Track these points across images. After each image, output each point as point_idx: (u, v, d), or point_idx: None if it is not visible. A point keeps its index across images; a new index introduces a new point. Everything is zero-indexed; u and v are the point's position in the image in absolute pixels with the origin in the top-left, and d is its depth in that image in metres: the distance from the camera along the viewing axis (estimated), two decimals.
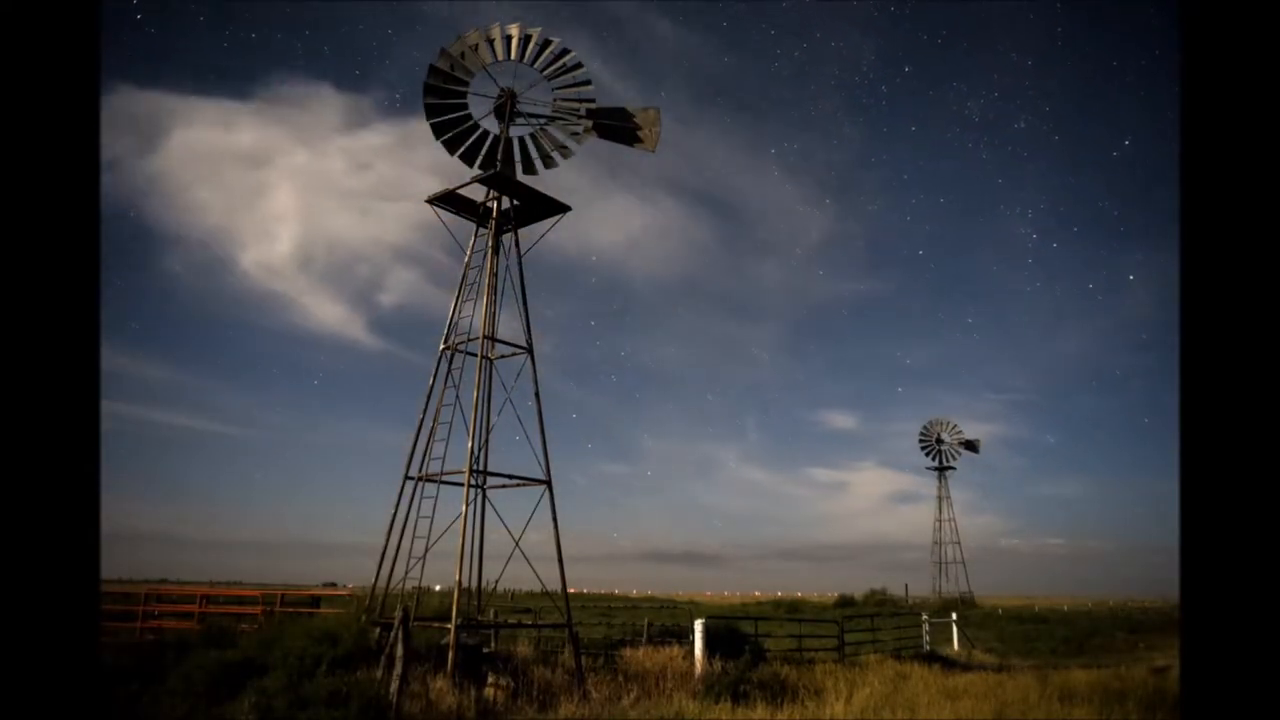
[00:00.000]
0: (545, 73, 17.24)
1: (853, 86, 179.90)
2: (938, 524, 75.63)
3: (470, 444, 15.59)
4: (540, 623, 19.26)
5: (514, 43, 17.21)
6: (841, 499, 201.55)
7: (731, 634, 18.09)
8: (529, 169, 18.03)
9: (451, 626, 13.90)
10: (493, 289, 16.80)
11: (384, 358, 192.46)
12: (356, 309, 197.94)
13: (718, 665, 15.05)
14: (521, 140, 17.93)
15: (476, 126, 17.43)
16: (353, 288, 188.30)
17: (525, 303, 17.21)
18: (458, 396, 16.41)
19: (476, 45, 17.17)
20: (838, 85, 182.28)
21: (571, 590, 17.73)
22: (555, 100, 17.41)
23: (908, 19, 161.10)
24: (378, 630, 14.29)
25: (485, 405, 16.85)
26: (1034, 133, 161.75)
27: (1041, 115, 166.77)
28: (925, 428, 75.72)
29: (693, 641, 16.37)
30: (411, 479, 16.22)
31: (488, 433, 16.95)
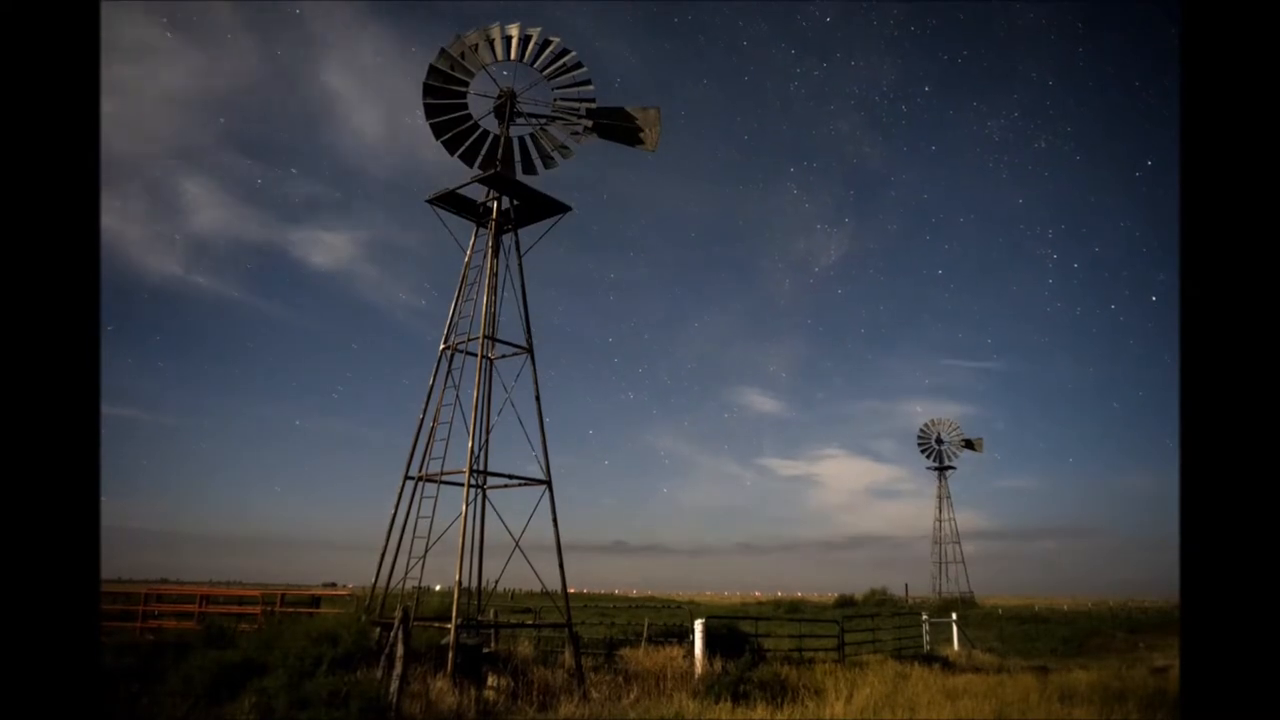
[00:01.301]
0: (545, 72, 17.23)
1: (872, 105, 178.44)
2: (937, 523, 75.63)
3: (470, 444, 15.59)
4: (540, 622, 19.25)
5: (514, 43, 17.21)
6: (815, 492, 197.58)
7: (732, 634, 18.08)
8: (529, 169, 18.05)
9: (451, 626, 13.92)
10: (493, 289, 16.82)
11: (256, 312, 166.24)
12: (161, 237, 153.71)
13: (718, 665, 15.06)
14: (521, 140, 17.95)
15: (476, 126, 17.44)
16: (142, 205, 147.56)
17: (526, 303, 17.24)
18: (457, 396, 16.43)
19: (476, 45, 17.18)
20: (857, 104, 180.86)
21: (571, 590, 17.72)
22: (555, 100, 17.41)
23: (928, 38, 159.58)
24: (378, 630, 14.29)
25: (485, 405, 16.88)
26: (1055, 152, 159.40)
27: (1063, 135, 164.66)
28: (924, 428, 75.75)
29: (693, 641, 16.37)
30: (411, 479, 16.24)
31: (488, 433, 16.97)
